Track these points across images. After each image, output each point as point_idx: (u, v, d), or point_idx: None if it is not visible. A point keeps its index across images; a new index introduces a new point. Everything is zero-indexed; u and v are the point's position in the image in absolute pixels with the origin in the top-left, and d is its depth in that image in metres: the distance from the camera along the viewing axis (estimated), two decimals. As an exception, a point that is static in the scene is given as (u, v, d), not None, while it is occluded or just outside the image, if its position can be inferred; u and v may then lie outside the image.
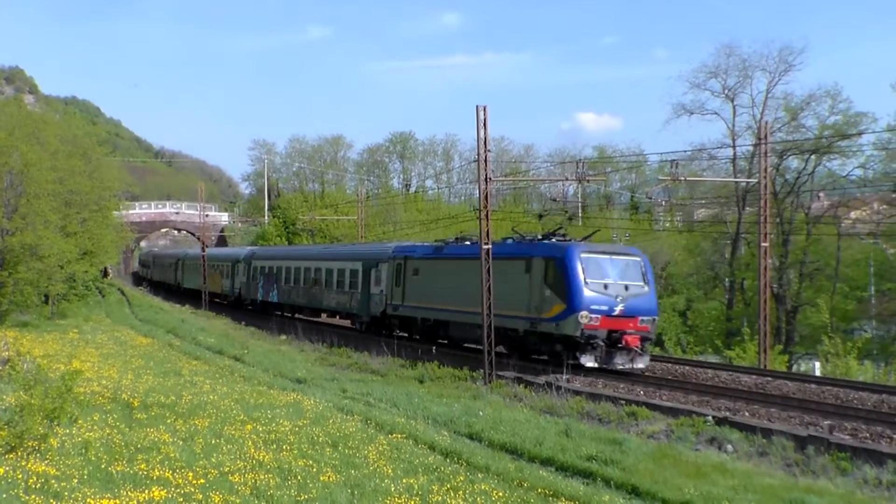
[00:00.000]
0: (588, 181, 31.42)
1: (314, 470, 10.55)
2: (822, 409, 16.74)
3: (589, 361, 20.89)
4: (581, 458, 12.73)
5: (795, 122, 45.33)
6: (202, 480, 9.47)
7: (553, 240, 23.78)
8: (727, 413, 16.24)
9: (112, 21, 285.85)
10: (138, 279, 79.37)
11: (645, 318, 21.46)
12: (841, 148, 43.38)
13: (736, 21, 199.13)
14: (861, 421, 15.42)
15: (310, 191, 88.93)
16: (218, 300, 49.77)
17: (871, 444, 13.68)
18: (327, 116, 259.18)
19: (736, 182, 45.09)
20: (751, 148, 43.49)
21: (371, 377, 22.57)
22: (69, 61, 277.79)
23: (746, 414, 16.42)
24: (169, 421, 13.20)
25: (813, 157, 44.51)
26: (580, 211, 77.22)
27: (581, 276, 20.97)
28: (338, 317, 36.50)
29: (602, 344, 20.82)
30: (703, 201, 56.59)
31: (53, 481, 8.90)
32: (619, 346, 20.98)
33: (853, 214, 47.13)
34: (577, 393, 18.64)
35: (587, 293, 20.82)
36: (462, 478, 10.94)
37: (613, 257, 22.01)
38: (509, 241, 25.94)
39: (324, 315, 37.78)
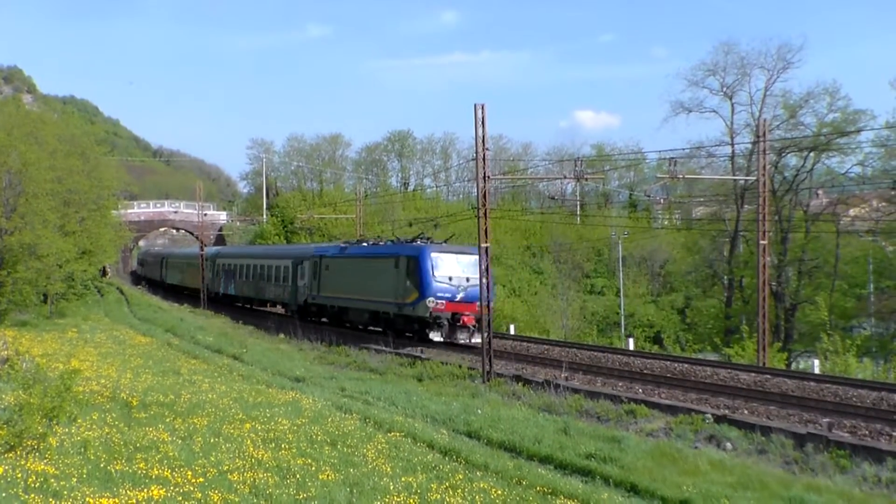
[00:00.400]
0: (586, 179, 31.48)
1: (313, 468, 10.55)
2: (820, 406, 16.76)
3: (436, 337, 26.84)
4: (580, 456, 12.73)
5: (794, 120, 45.40)
6: (201, 479, 9.46)
7: (417, 242, 28.86)
8: (726, 411, 16.27)
9: (110, 20, 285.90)
10: (137, 278, 79.47)
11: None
12: (840, 145, 43.42)
13: (735, 19, 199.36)
14: (860, 418, 15.45)
15: (308, 189, 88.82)
16: (187, 293, 55.96)
17: (870, 442, 13.70)
18: (326, 115, 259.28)
19: (734, 180, 45.11)
20: (749, 146, 43.57)
21: (369, 376, 22.57)
22: (67, 61, 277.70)
23: (745, 412, 16.45)
24: (168, 420, 13.18)
25: (811, 154, 44.56)
26: (579, 209, 77.51)
27: (430, 271, 26.58)
28: (278, 306, 42.56)
29: (447, 323, 26.70)
30: (702, 199, 56.71)
31: (52, 480, 8.89)
32: (459, 325, 26.59)
33: (852, 212, 47.18)
34: (576, 391, 18.65)
35: (435, 283, 26.42)
36: (461, 476, 10.94)
37: (458, 256, 27.32)
38: (389, 242, 31.94)
39: (268, 305, 44.13)
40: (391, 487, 9.89)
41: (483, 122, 21.97)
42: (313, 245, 41.04)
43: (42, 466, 9.37)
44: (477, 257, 25.40)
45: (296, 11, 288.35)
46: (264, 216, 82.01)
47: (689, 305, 58.30)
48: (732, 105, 49.64)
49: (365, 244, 33.70)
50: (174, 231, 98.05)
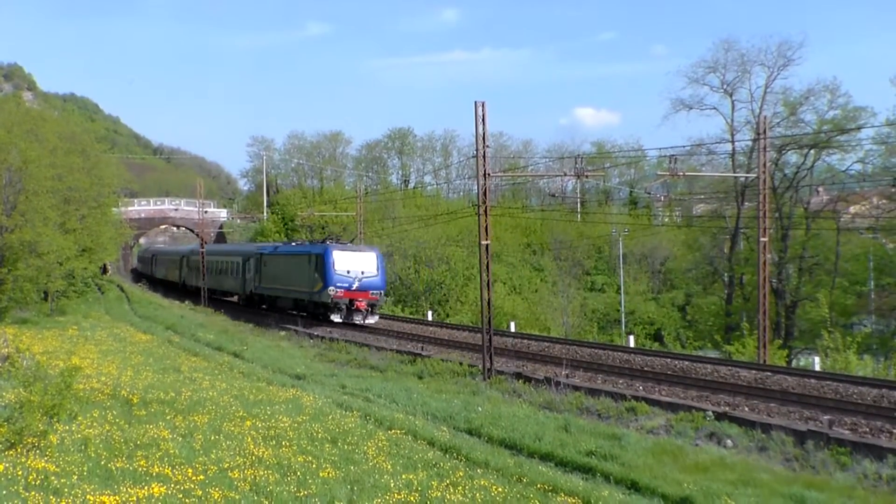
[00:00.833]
0: (587, 177, 31.50)
1: (313, 466, 10.55)
2: (821, 403, 16.74)
3: (336, 318, 33.21)
4: (580, 454, 12.74)
5: (794, 117, 45.32)
6: (202, 477, 9.47)
7: (326, 243, 35.88)
8: (726, 408, 16.27)
9: (111, 18, 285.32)
10: (137, 275, 79.53)
11: (374, 291, 33.67)
12: (840, 142, 43.30)
13: (734, 16, 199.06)
14: (861, 416, 15.44)
15: (308, 187, 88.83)
16: (166, 286, 62.36)
17: (870, 439, 13.70)
18: (326, 113, 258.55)
19: (735, 177, 45.08)
20: (749, 143, 43.56)
21: (370, 373, 22.58)
22: (68, 58, 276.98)
23: (746, 409, 16.44)
24: (168, 417, 13.19)
25: (812, 151, 44.52)
26: (579, 206, 77.50)
27: (332, 266, 33.01)
28: (234, 297, 49.38)
29: (344, 307, 33.16)
30: (702, 196, 56.70)
31: (53, 478, 8.90)
32: (354, 308, 33.08)
33: (852, 209, 47.15)
34: (577, 388, 18.65)
35: (335, 276, 32.88)
36: (461, 473, 10.94)
37: (356, 253, 34.00)
38: (306, 242, 40.85)
39: (229, 297, 50.63)
40: (392, 485, 9.89)
41: (483, 120, 21.96)
42: (257, 245, 49.35)
43: (43, 464, 9.38)
44: (373, 254, 34.48)
45: (296, 9, 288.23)
46: (265, 214, 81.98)
47: (690, 303, 58.28)
48: (733, 102, 49.60)
49: (293, 244, 42.03)
50: (175, 229, 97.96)
